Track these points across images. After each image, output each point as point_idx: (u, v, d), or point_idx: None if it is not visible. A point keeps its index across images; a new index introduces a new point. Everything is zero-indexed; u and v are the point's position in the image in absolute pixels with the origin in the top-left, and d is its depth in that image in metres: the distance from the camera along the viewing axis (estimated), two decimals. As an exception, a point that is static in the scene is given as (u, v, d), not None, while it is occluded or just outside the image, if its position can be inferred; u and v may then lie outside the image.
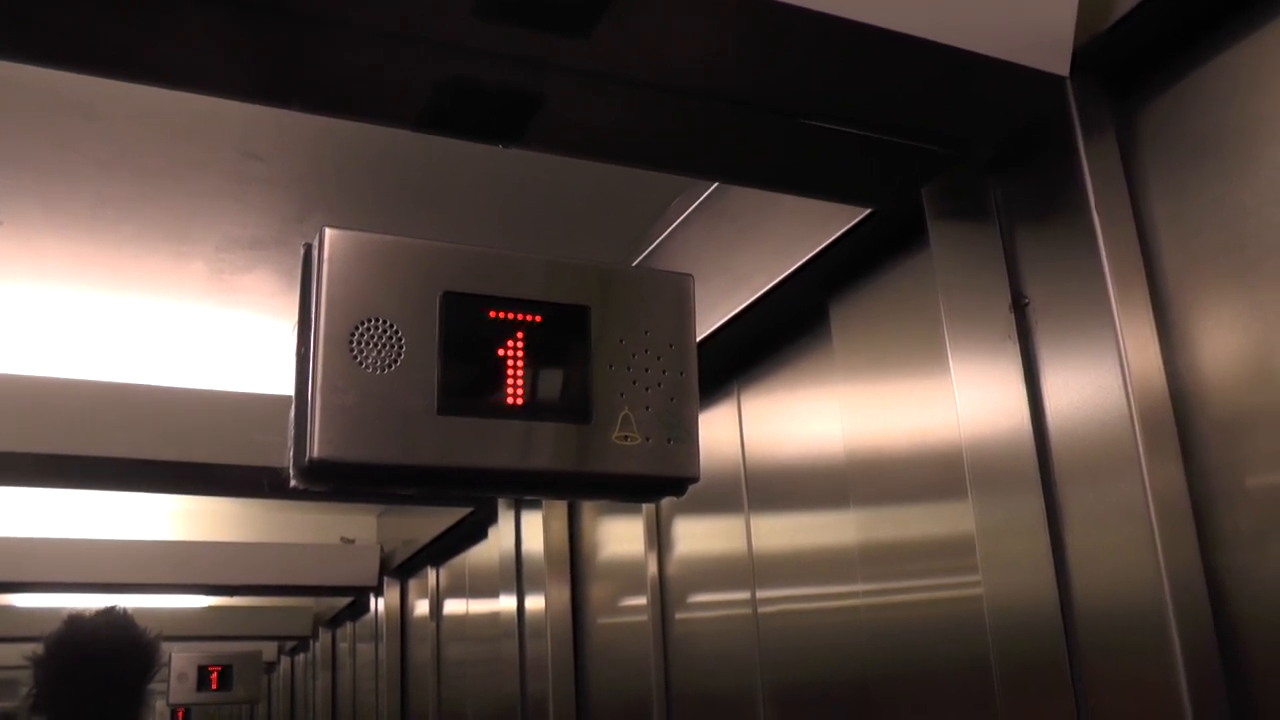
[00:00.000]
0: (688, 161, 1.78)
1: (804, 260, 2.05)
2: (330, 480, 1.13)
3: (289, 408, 1.19)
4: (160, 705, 7.21)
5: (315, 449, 1.10)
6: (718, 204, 2.40)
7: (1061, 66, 1.45)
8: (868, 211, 1.88)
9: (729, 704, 2.61)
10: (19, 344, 3.59)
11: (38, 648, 2.74)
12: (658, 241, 2.63)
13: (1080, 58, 1.46)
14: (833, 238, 1.97)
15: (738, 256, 2.27)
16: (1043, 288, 1.50)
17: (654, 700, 2.91)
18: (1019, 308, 1.52)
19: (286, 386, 1.18)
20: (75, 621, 2.78)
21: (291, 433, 1.14)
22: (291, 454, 1.14)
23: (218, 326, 3.50)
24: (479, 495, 3.74)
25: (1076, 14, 1.43)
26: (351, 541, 6.36)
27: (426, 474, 1.16)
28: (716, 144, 1.63)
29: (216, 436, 3.50)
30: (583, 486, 1.30)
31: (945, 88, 1.48)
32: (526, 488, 1.26)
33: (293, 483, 1.14)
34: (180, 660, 6.79)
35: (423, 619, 5.75)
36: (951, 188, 1.70)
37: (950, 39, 1.36)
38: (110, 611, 2.85)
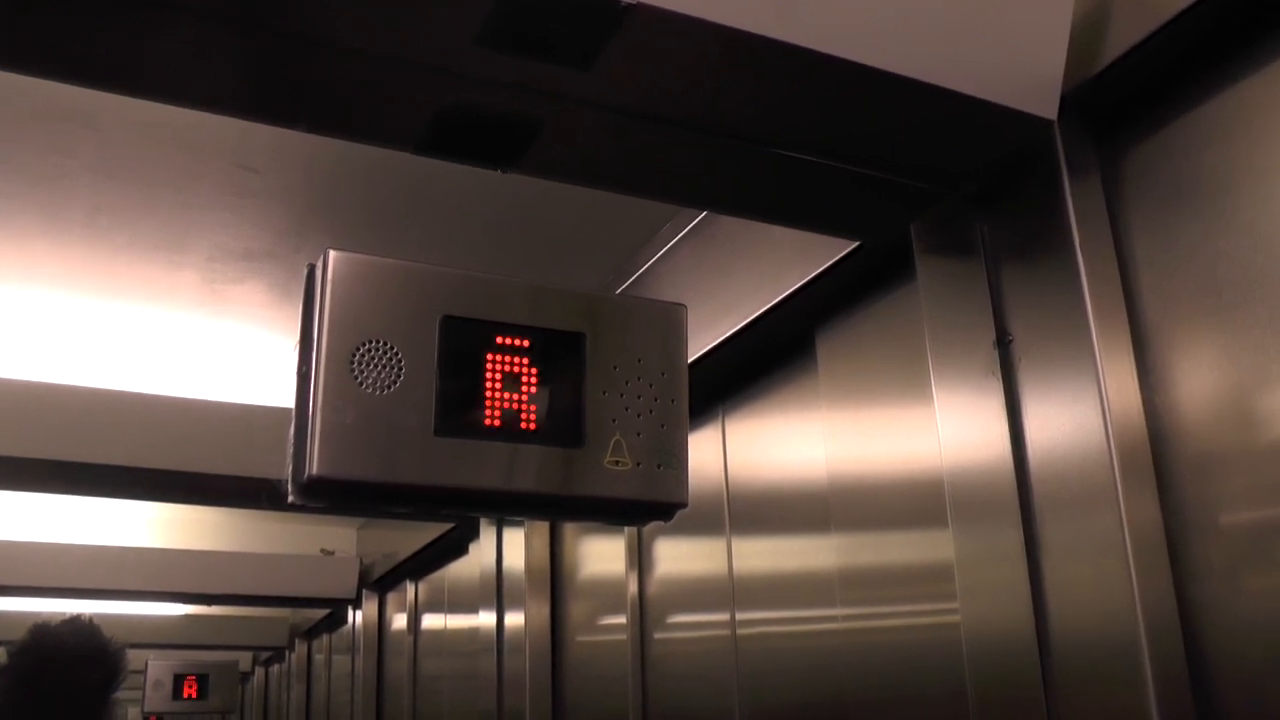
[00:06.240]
0: (680, 191, 1.81)
1: (792, 289, 2.08)
2: (328, 498, 1.15)
3: (279, 419, 1.20)
4: (134, 713, 7.17)
5: (314, 467, 1.12)
6: (707, 231, 2.42)
7: (1050, 110, 1.48)
8: (856, 243, 1.91)
9: (706, 725, 2.63)
10: (9, 347, 3.59)
11: (1, 654, 2.72)
12: (647, 266, 2.65)
13: (1068, 102, 1.49)
14: (821, 268, 2.00)
15: (726, 283, 2.30)
16: (1026, 325, 1.53)
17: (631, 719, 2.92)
18: (1003, 344, 1.55)
19: (277, 398, 1.18)
20: (40, 629, 2.76)
21: (290, 449, 1.16)
22: (290, 470, 1.15)
23: (208, 336, 3.49)
24: (472, 515, 3.74)
25: (1065, 61, 1.47)
26: (331, 553, 6.35)
27: (422, 493, 1.18)
28: (709, 175, 1.65)
29: (205, 446, 3.49)
30: (573, 509, 1.32)
31: (936, 127, 1.51)
32: (518, 509, 1.28)
33: (291, 499, 1.16)
34: (156, 668, 6.76)
35: (400, 633, 5.74)
36: (940, 223, 1.73)
37: (943, 81, 1.39)
38: (76, 620, 2.83)
